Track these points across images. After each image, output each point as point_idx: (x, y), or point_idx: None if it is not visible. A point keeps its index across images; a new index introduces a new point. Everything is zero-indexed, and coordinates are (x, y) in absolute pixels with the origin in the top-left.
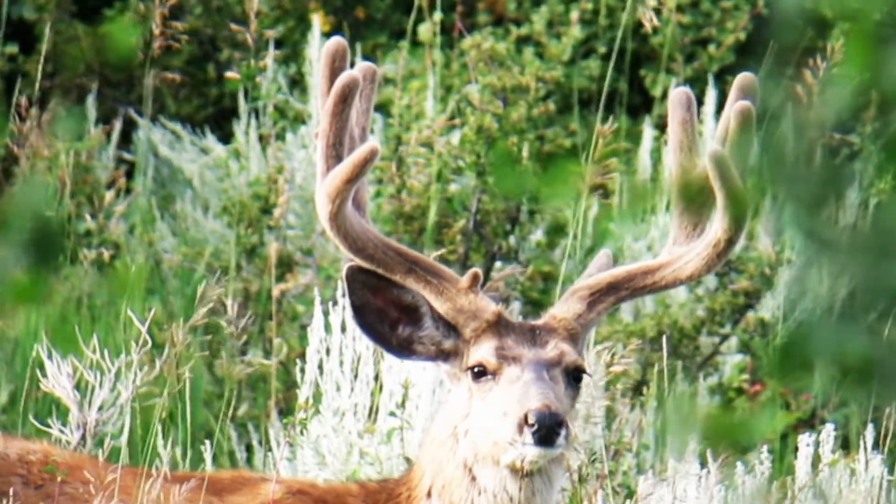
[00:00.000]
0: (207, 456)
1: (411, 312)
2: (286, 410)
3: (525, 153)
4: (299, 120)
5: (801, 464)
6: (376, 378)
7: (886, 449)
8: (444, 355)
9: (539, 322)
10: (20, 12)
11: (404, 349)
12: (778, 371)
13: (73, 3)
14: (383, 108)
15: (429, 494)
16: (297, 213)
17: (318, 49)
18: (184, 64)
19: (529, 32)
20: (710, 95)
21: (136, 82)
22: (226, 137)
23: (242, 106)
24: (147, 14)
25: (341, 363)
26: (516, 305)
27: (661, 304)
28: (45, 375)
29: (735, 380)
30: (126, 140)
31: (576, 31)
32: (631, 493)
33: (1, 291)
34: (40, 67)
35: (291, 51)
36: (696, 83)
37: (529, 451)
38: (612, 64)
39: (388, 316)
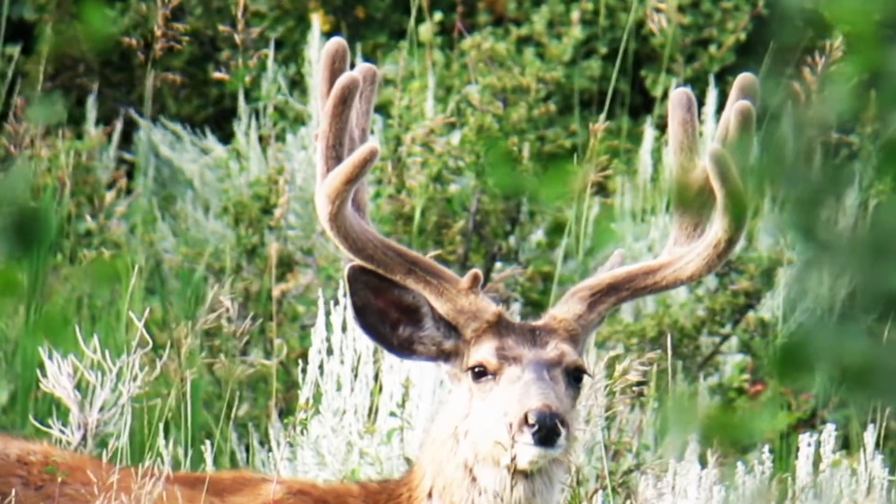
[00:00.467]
0: (208, 456)
1: (412, 313)
2: (286, 411)
3: (525, 153)
4: (299, 121)
5: (802, 464)
6: (376, 378)
7: (887, 449)
8: (444, 356)
9: (539, 322)
10: (20, 12)
11: (405, 349)
12: (778, 371)
13: (73, 3)
14: (383, 109)
15: (429, 495)
16: (298, 213)
17: (318, 49)
18: (184, 64)
19: (530, 33)
20: (711, 96)
21: (137, 83)
22: (226, 138)
23: (243, 106)
24: (149, 14)
25: (342, 363)
26: (516, 306)
27: (662, 304)
28: (45, 375)
29: (735, 380)
30: (127, 140)
31: (576, 32)
32: (631, 494)
33: None
34: (41, 68)
35: (291, 51)
36: (697, 83)
37: (529, 451)
38: (617, 64)
39: (389, 316)
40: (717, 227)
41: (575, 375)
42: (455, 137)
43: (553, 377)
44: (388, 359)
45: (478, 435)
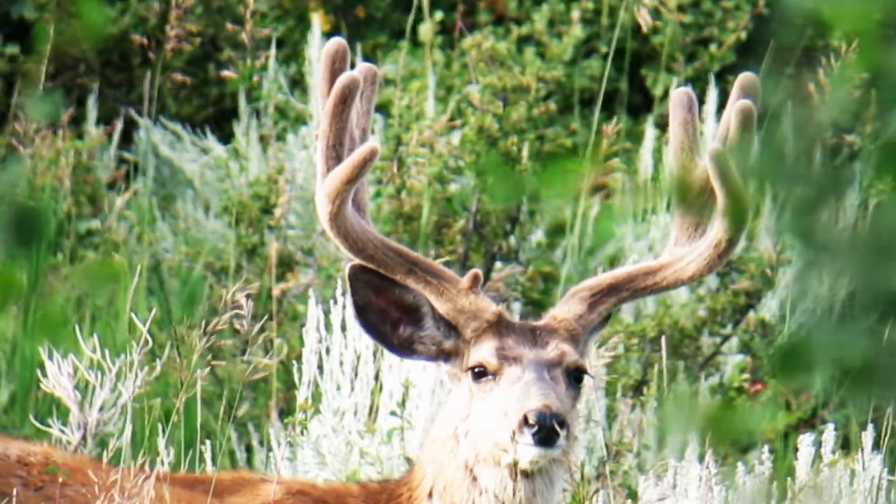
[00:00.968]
0: (208, 456)
1: (412, 312)
2: (286, 410)
3: (525, 153)
4: (300, 120)
5: (802, 464)
6: (376, 378)
7: (886, 449)
8: (444, 355)
9: (540, 323)
10: (20, 12)
11: (405, 349)
12: (780, 371)
13: (72, 2)
14: (383, 109)
15: (430, 495)
16: (298, 213)
17: (319, 49)
18: (184, 64)
19: (530, 32)
20: (712, 95)
21: (137, 83)
22: (226, 138)
23: (243, 106)
24: (149, 13)
25: (341, 363)
26: (516, 306)
27: (663, 305)
28: (45, 375)
29: (736, 380)
30: (127, 140)
31: (577, 31)
32: (632, 494)
33: None
34: (42, 68)
35: (292, 51)
36: (698, 83)
37: (530, 452)
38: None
39: (389, 316)
40: (717, 227)
41: (575, 375)
42: (455, 137)
43: (553, 377)
44: (389, 359)
45: (478, 435)
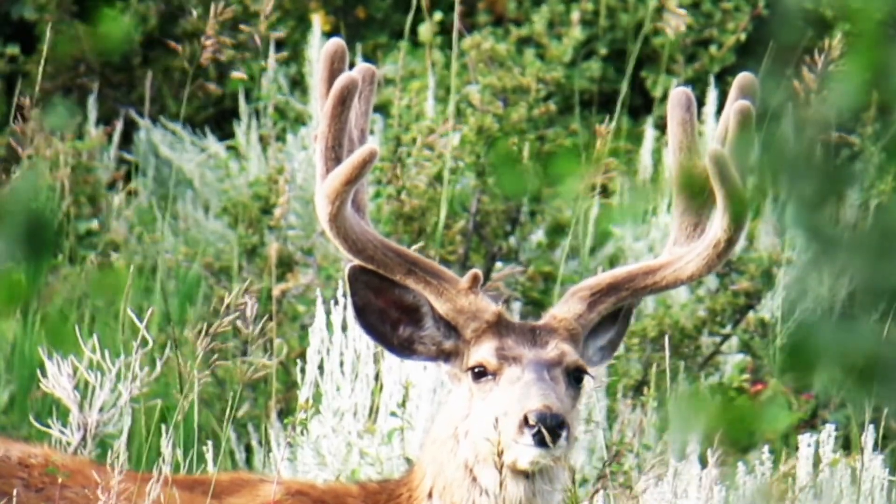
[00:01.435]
0: (209, 457)
1: (412, 312)
2: (286, 411)
3: (525, 153)
4: (300, 121)
5: (802, 464)
6: (376, 378)
7: (887, 449)
8: (444, 355)
9: (539, 322)
10: (20, 12)
11: (405, 349)
12: (780, 371)
13: (73, 2)
14: (383, 109)
15: (430, 495)
16: (298, 213)
17: (319, 49)
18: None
19: (530, 33)
20: (711, 96)
21: (137, 83)
22: (226, 138)
23: (243, 107)
24: (207, 23)
25: (342, 363)
26: (517, 306)
27: (663, 305)
28: (45, 376)
29: (736, 380)
30: (127, 140)
31: (576, 32)
32: (631, 494)
33: None
34: (41, 68)
35: (292, 51)
36: (697, 84)
37: (530, 452)
38: (630, 65)
39: (389, 316)
40: (717, 227)
41: (575, 375)
42: (455, 137)
43: (553, 377)
44: (389, 359)
45: (478, 435)
